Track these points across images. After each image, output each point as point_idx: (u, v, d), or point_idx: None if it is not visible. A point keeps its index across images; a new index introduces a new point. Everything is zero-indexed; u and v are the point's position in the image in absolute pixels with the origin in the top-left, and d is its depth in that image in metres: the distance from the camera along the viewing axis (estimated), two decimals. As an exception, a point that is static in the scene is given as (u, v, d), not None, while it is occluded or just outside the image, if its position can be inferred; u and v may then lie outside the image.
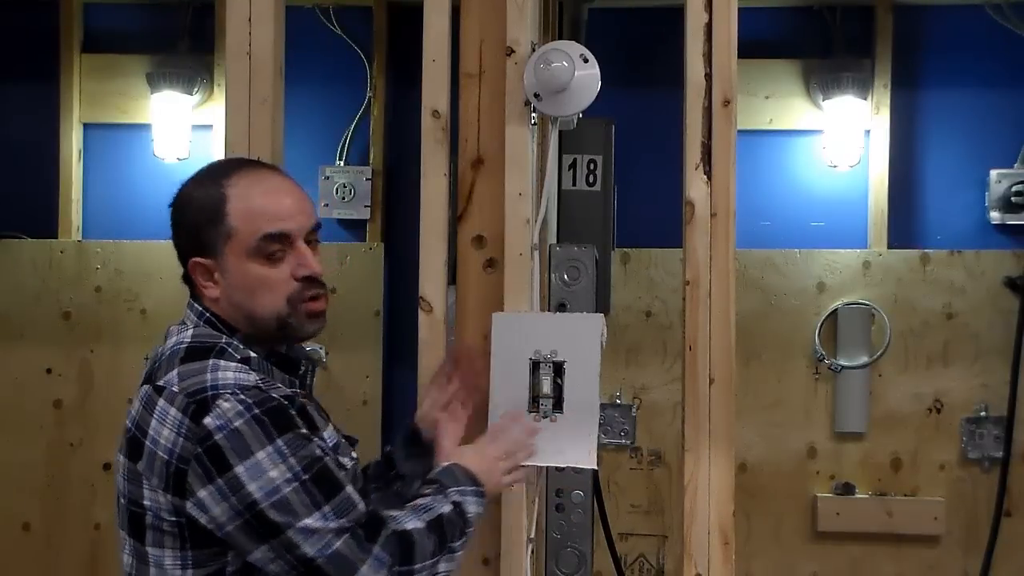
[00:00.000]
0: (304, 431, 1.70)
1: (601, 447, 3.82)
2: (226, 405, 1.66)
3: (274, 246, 1.78)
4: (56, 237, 4.25)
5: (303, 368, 1.86)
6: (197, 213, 1.80)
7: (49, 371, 4.21)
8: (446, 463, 1.90)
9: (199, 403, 1.66)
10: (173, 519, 1.69)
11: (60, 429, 4.20)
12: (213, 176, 1.84)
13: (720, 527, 2.23)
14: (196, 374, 1.70)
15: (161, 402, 1.69)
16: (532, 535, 2.24)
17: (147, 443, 1.69)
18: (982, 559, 3.90)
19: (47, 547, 4.20)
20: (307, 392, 1.87)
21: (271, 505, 1.64)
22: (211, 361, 1.72)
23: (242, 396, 1.67)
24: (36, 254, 4.24)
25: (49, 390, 4.20)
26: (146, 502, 1.70)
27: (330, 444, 1.80)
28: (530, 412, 2.15)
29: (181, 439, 1.66)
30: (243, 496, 1.64)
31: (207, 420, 1.65)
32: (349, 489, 1.71)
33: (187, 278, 1.86)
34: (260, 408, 1.67)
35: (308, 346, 1.94)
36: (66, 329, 4.21)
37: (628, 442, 4.08)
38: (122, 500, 1.75)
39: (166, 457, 1.67)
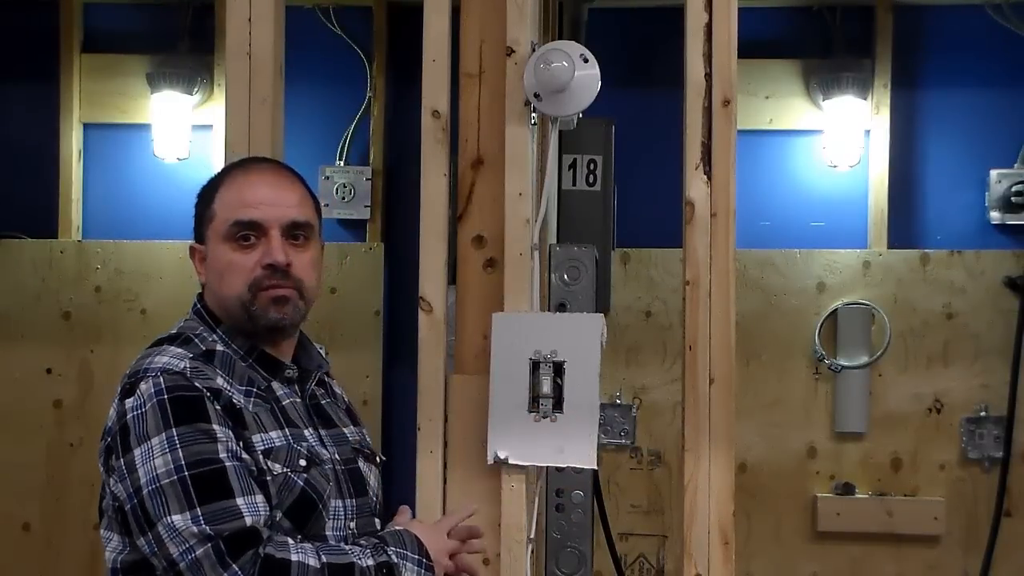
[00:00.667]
0: (212, 427, 1.65)
1: (601, 447, 3.81)
2: (143, 387, 1.68)
3: (245, 232, 1.79)
4: (56, 237, 4.25)
5: (292, 372, 1.85)
6: (197, 202, 1.87)
7: (49, 371, 4.21)
8: (398, 528, 1.81)
9: (130, 384, 1.70)
10: (113, 502, 1.71)
11: (60, 429, 4.20)
12: (221, 171, 1.92)
13: (720, 527, 2.23)
14: (144, 357, 1.74)
15: (118, 387, 1.74)
16: (532, 535, 2.24)
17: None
18: (982, 559, 3.90)
19: (47, 547, 4.19)
20: (303, 396, 1.86)
21: (149, 494, 1.62)
22: (163, 347, 1.75)
23: (160, 379, 1.68)
24: (36, 254, 4.24)
25: (49, 390, 4.20)
26: (104, 489, 1.73)
27: (265, 447, 1.71)
28: (530, 412, 2.16)
29: (114, 416, 1.70)
30: (133, 479, 1.64)
31: (129, 400, 1.68)
32: (241, 500, 1.62)
33: None
34: (170, 393, 1.66)
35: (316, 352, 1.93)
36: (66, 329, 4.21)
37: (628, 442, 4.08)
38: None
39: (104, 437, 1.72)
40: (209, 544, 1.60)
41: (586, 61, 2.19)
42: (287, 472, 1.72)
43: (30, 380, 4.20)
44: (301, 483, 1.73)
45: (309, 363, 1.89)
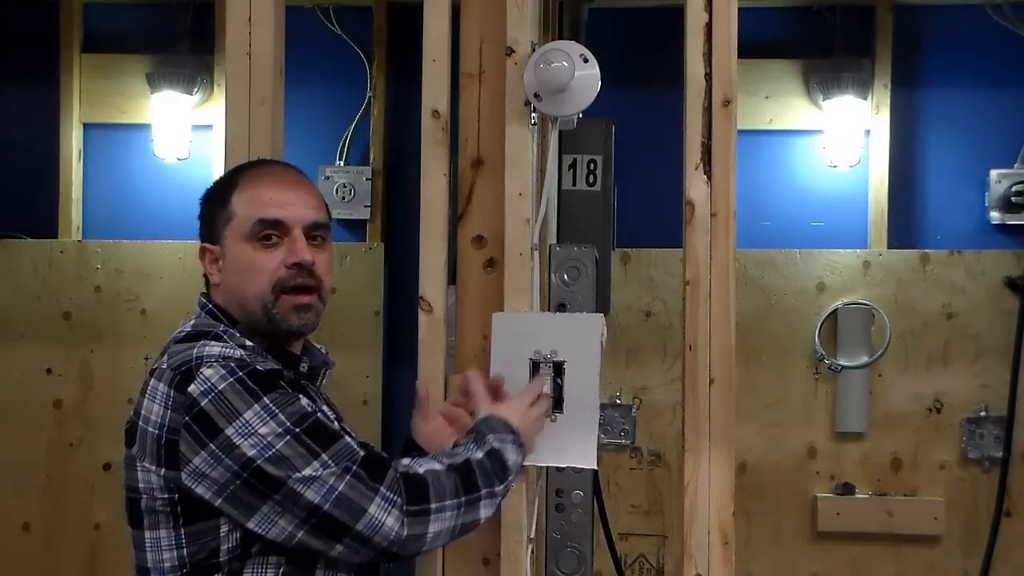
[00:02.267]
0: (291, 392, 1.70)
1: (601, 447, 3.83)
2: (208, 371, 1.67)
3: (269, 231, 1.80)
4: (56, 237, 4.25)
5: (304, 366, 1.86)
6: (208, 201, 1.86)
7: (49, 371, 4.21)
8: (485, 413, 1.90)
9: (183, 373, 1.68)
10: (165, 496, 1.69)
11: (60, 429, 4.20)
12: (232, 170, 1.94)
13: (720, 527, 2.23)
14: (185, 351, 1.72)
15: (152, 381, 1.72)
16: (532, 535, 2.24)
17: (140, 423, 1.71)
18: (982, 559, 3.90)
19: (47, 547, 4.20)
20: (315, 390, 1.87)
21: (267, 460, 1.63)
22: (201, 341, 1.74)
23: (223, 362, 1.68)
24: (36, 254, 4.24)
25: (49, 390, 4.20)
26: (140, 485, 1.71)
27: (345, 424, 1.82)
28: (530, 412, 2.15)
29: (169, 411, 1.67)
30: (237, 456, 1.63)
31: (191, 388, 1.66)
32: (346, 439, 1.69)
33: None
34: (243, 370, 1.67)
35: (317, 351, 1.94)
36: (66, 329, 4.21)
37: (628, 442, 4.08)
38: (123, 492, 1.77)
39: (156, 432, 1.68)
40: (349, 475, 1.64)
41: (586, 61, 2.19)
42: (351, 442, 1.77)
43: (30, 380, 4.20)
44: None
45: (315, 361, 1.91)
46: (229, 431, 1.64)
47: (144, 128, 4.26)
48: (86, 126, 4.32)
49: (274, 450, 1.63)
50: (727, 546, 2.23)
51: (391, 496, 1.65)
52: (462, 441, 1.82)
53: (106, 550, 4.10)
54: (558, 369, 2.13)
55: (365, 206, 4.19)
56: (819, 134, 4.11)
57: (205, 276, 1.88)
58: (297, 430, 1.64)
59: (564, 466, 2.20)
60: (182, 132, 4.22)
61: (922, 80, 4.13)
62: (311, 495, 1.63)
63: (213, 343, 1.73)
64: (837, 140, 4.07)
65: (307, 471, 1.63)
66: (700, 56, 2.26)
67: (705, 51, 2.26)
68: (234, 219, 1.81)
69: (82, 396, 4.19)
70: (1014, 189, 4.00)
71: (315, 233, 1.85)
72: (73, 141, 4.27)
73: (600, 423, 2.18)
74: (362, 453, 1.68)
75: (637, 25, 4.13)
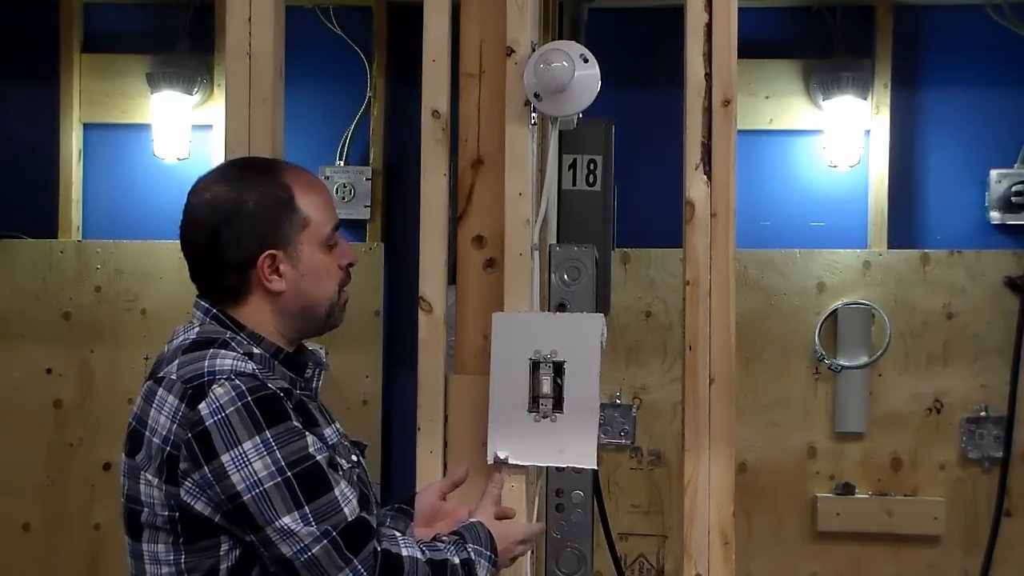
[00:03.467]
0: (297, 425, 1.68)
1: (601, 447, 3.82)
2: (220, 391, 1.64)
3: (336, 236, 1.85)
4: (56, 237, 4.25)
5: (310, 371, 1.86)
6: (264, 207, 1.77)
7: (49, 371, 4.21)
8: (475, 519, 1.88)
9: (195, 388, 1.66)
10: (167, 513, 1.67)
11: (60, 429, 4.20)
12: (256, 173, 1.83)
13: (720, 527, 2.23)
14: (194, 362, 1.69)
15: (160, 391, 1.69)
16: (532, 535, 2.24)
17: (146, 433, 1.69)
18: (982, 559, 3.90)
19: (47, 547, 4.20)
20: (312, 394, 1.87)
21: (252, 498, 1.62)
22: (211, 350, 1.71)
23: (237, 382, 1.65)
24: (36, 254, 4.24)
25: (49, 390, 4.20)
26: (143, 497, 1.69)
27: (329, 443, 1.78)
28: (530, 412, 2.16)
29: (175, 425, 1.65)
30: (227, 486, 1.62)
31: (201, 406, 1.64)
32: (337, 491, 1.65)
33: (201, 276, 1.83)
34: (253, 395, 1.64)
35: (310, 346, 1.94)
36: (66, 329, 4.21)
37: (628, 442, 4.08)
38: (121, 499, 1.75)
39: (160, 443, 1.66)
40: (326, 541, 1.62)
41: (586, 61, 2.19)
42: (350, 468, 1.77)
43: (30, 380, 4.20)
44: (356, 479, 1.78)
45: (309, 358, 1.89)
46: (225, 458, 1.62)
47: (144, 128, 4.26)
48: (86, 126, 4.32)
49: (261, 489, 1.61)
50: (727, 546, 2.23)
51: (362, 571, 1.63)
52: (445, 537, 1.79)
53: (106, 550, 4.10)
54: (558, 369, 2.13)
55: (365, 206, 4.19)
56: (819, 134, 4.11)
57: (205, 279, 1.83)
58: (289, 474, 1.62)
59: (564, 466, 2.20)
60: (182, 132, 4.22)
61: (922, 80, 4.13)
62: (285, 549, 1.62)
63: (224, 353, 1.70)
64: (837, 140, 4.07)
65: (286, 520, 1.61)
66: (700, 56, 2.26)
67: (705, 51, 2.26)
68: (311, 224, 1.79)
69: (82, 396, 4.19)
70: (1014, 189, 4.00)
71: None
72: (73, 141, 4.27)
73: (600, 423, 2.18)
74: (347, 511, 1.65)
75: (637, 25, 4.13)
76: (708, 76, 2.25)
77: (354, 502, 1.67)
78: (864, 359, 4.00)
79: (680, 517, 2.25)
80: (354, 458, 1.83)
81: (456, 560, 1.74)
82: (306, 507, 1.62)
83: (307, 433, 1.68)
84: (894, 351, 4.00)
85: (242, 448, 1.62)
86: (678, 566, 2.35)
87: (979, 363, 3.98)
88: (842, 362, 4.01)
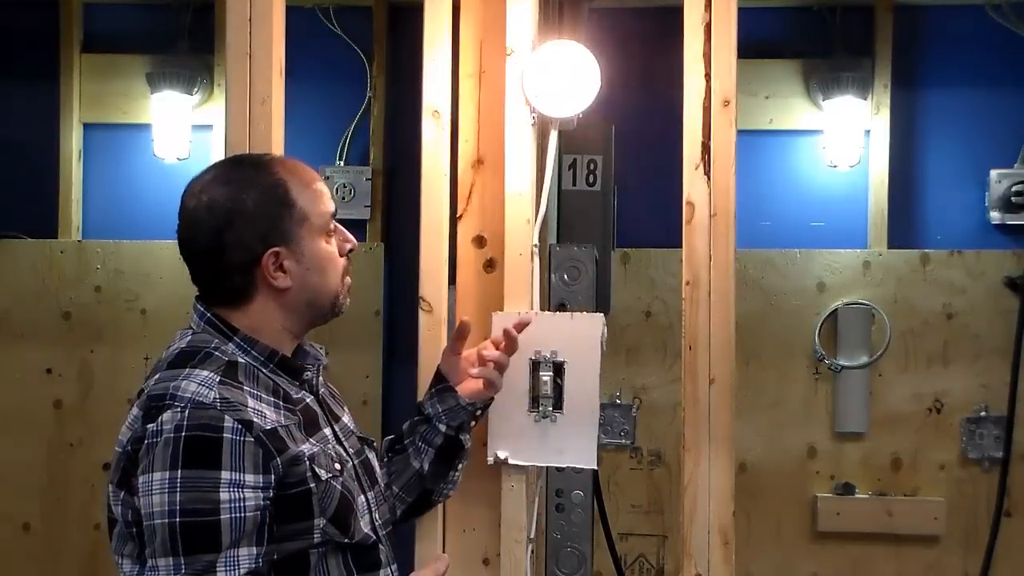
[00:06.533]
0: (220, 475, 1.61)
1: (601, 447, 3.80)
2: (167, 416, 1.63)
3: (334, 223, 1.84)
4: (56, 237, 4.25)
5: (309, 373, 1.85)
6: (263, 205, 1.76)
7: (49, 371, 4.21)
8: None
9: (155, 408, 1.65)
10: (131, 519, 1.68)
11: (60, 429, 4.20)
12: (250, 170, 1.81)
13: (720, 527, 2.23)
14: (168, 380, 1.68)
15: (134, 408, 1.70)
16: (532, 535, 2.24)
17: (116, 447, 1.71)
18: (982, 559, 3.90)
19: (47, 547, 4.20)
20: (315, 392, 1.86)
21: (146, 526, 1.62)
22: (187, 369, 1.69)
23: (185, 412, 1.62)
24: (36, 254, 4.24)
25: (49, 390, 4.20)
26: (117, 509, 1.71)
27: (305, 455, 1.72)
28: (530, 412, 2.16)
29: (131, 434, 1.67)
30: (132, 501, 1.65)
31: (150, 424, 1.64)
32: (223, 556, 1.60)
33: (204, 280, 1.82)
34: (189, 432, 1.61)
35: (308, 347, 1.93)
36: (66, 329, 4.21)
37: (628, 442, 4.08)
38: (105, 514, 1.77)
39: (119, 452, 1.69)
40: None
41: (586, 61, 2.19)
42: (330, 479, 1.73)
43: (30, 380, 4.20)
44: (339, 488, 1.75)
45: (305, 358, 1.89)
46: (141, 479, 1.62)
47: (144, 128, 4.27)
48: (86, 126, 4.32)
49: (151, 522, 1.61)
50: (727, 546, 2.23)
51: None
52: None
53: (106, 550, 4.06)
54: (558, 369, 2.13)
55: (365, 206, 4.19)
56: (819, 134, 4.11)
57: (210, 282, 1.81)
58: (176, 520, 1.59)
59: (564, 466, 2.20)
60: (182, 132, 4.22)
61: (922, 80, 4.13)
62: None
63: (196, 374, 1.68)
64: (837, 140, 4.07)
65: (160, 561, 1.60)
66: (700, 56, 2.26)
67: (705, 51, 2.26)
68: (309, 216, 1.78)
69: (82, 396, 4.19)
70: (1014, 189, 4.00)
71: None
72: (73, 141, 4.27)
73: (600, 423, 2.18)
74: None
75: (637, 25, 4.13)
76: (708, 76, 2.26)
77: (246, 567, 1.62)
78: (864, 359, 4.00)
79: (680, 517, 2.25)
80: (337, 467, 1.77)
81: None
82: (181, 557, 1.60)
83: (230, 483, 1.62)
84: (894, 351, 4.00)
85: (151, 476, 1.61)
86: (678, 566, 2.35)
87: (979, 363, 3.98)
88: (842, 362, 4.01)
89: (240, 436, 1.63)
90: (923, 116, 4.12)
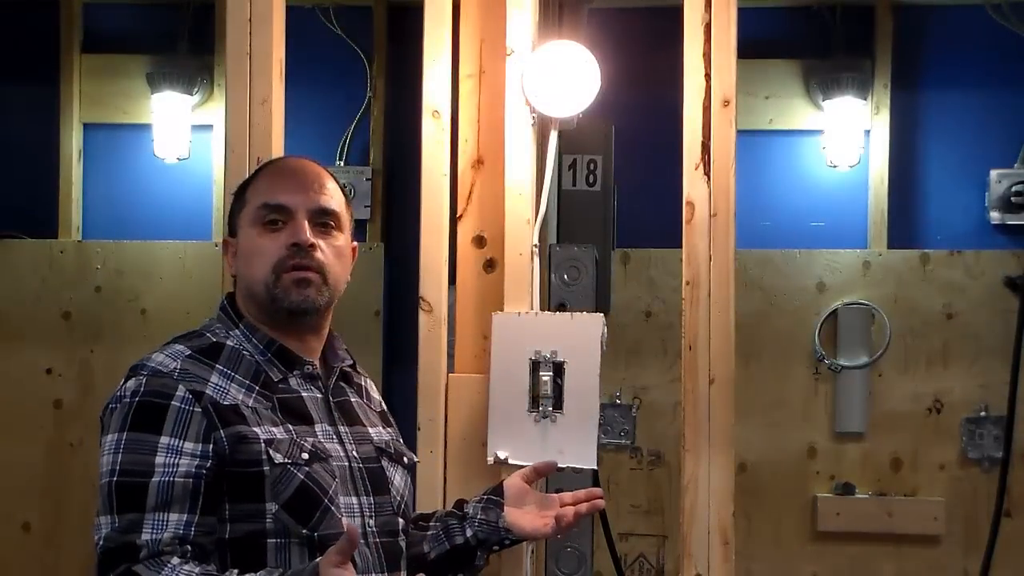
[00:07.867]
0: (159, 440, 1.67)
1: (601, 447, 3.80)
2: (130, 383, 1.73)
3: (273, 215, 1.81)
4: (56, 237, 4.25)
5: (309, 368, 1.84)
6: (234, 199, 1.90)
7: (49, 371, 4.21)
8: (312, 569, 1.62)
9: (130, 373, 1.76)
10: None
11: (60, 429, 4.20)
12: (258, 168, 1.97)
13: (720, 527, 2.23)
14: (152, 352, 1.79)
15: None
16: (532, 535, 2.24)
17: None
18: (982, 559, 3.89)
19: (47, 547, 4.20)
20: (325, 392, 1.85)
21: (101, 484, 1.69)
22: (169, 342, 1.80)
23: (144, 379, 1.72)
24: (36, 254, 4.24)
25: (49, 390, 4.20)
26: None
27: (310, 437, 1.75)
28: (530, 412, 2.16)
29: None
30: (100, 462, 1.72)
31: (117, 389, 1.75)
32: (149, 516, 1.64)
33: None
34: (142, 397, 1.70)
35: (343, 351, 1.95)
36: (66, 329, 4.21)
37: (628, 442, 4.08)
38: None
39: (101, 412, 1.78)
40: (101, 548, 1.66)
41: (586, 61, 2.19)
42: (287, 464, 1.72)
43: (30, 380, 4.20)
44: (301, 476, 1.73)
45: (334, 360, 1.91)
46: (103, 439, 1.72)
47: (144, 128, 4.26)
48: (86, 126, 4.32)
49: (102, 481, 1.69)
50: (727, 546, 2.23)
51: None
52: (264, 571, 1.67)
53: (106, 550, 4.10)
54: (558, 369, 2.13)
55: (365, 206, 4.19)
56: (819, 134, 4.11)
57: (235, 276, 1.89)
58: (114, 480, 1.67)
59: (564, 466, 2.20)
60: (182, 132, 4.22)
61: (922, 80, 4.13)
62: (95, 536, 1.68)
63: (171, 347, 1.78)
64: (837, 140, 4.07)
65: (101, 519, 1.67)
66: (700, 56, 2.26)
67: (705, 51, 2.26)
68: (246, 207, 1.83)
69: (82, 396, 4.18)
70: (1014, 189, 4.00)
71: (323, 219, 1.83)
72: (73, 141, 4.27)
73: (600, 423, 2.18)
74: (134, 536, 1.63)
75: (637, 25, 4.13)
76: (708, 76, 2.26)
77: (171, 531, 1.64)
78: (864, 359, 4.01)
79: (680, 517, 2.26)
80: (304, 456, 1.73)
81: None
82: (115, 515, 1.66)
83: (167, 449, 1.67)
84: (894, 351, 4.00)
85: (106, 438, 1.71)
86: (678, 566, 2.35)
87: (979, 363, 3.98)
88: (842, 362, 4.01)
89: (188, 406, 1.70)
90: (923, 116, 4.12)
